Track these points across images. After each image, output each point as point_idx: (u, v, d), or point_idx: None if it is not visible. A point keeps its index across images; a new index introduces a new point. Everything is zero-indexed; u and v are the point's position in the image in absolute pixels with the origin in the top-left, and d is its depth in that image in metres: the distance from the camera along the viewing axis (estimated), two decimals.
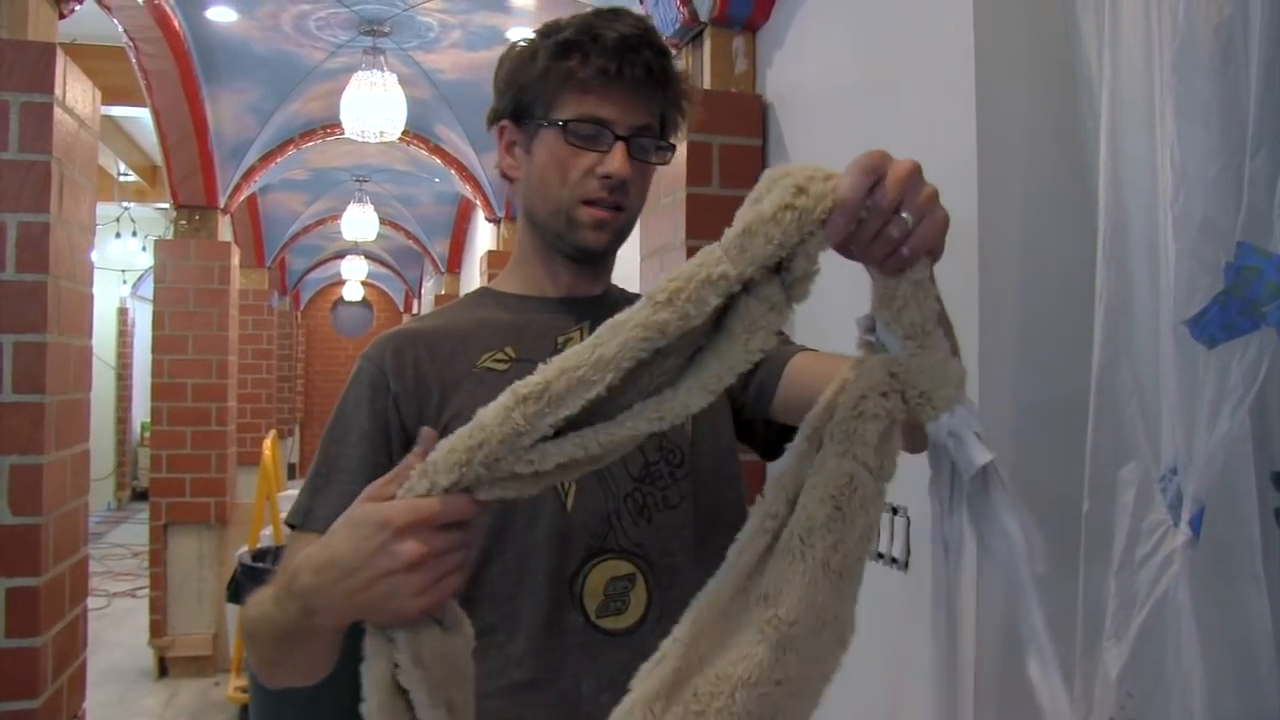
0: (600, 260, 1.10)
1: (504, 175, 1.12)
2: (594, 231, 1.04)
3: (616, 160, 1.01)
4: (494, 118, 1.11)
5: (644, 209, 1.11)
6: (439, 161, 5.68)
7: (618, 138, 1.01)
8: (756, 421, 1.08)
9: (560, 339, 1.06)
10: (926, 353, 0.73)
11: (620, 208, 1.04)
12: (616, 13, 1.05)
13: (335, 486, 1.00)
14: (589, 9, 1.06)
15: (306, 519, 1.01)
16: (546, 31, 1.05)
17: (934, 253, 0.74)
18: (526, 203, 1.09)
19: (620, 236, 1.07)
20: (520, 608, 1.00)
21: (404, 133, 4.68)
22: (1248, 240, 0.96)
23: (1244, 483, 0.96)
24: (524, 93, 1.06)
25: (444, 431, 0.95)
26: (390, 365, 1.04)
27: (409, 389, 1.03)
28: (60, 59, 2.14)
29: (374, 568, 0.73)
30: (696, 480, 1.05)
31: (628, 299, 1.14)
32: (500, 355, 1.05)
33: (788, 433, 1.04)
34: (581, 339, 1.03)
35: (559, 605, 0.99)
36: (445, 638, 0.76)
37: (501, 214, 5.76)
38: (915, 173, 0.71)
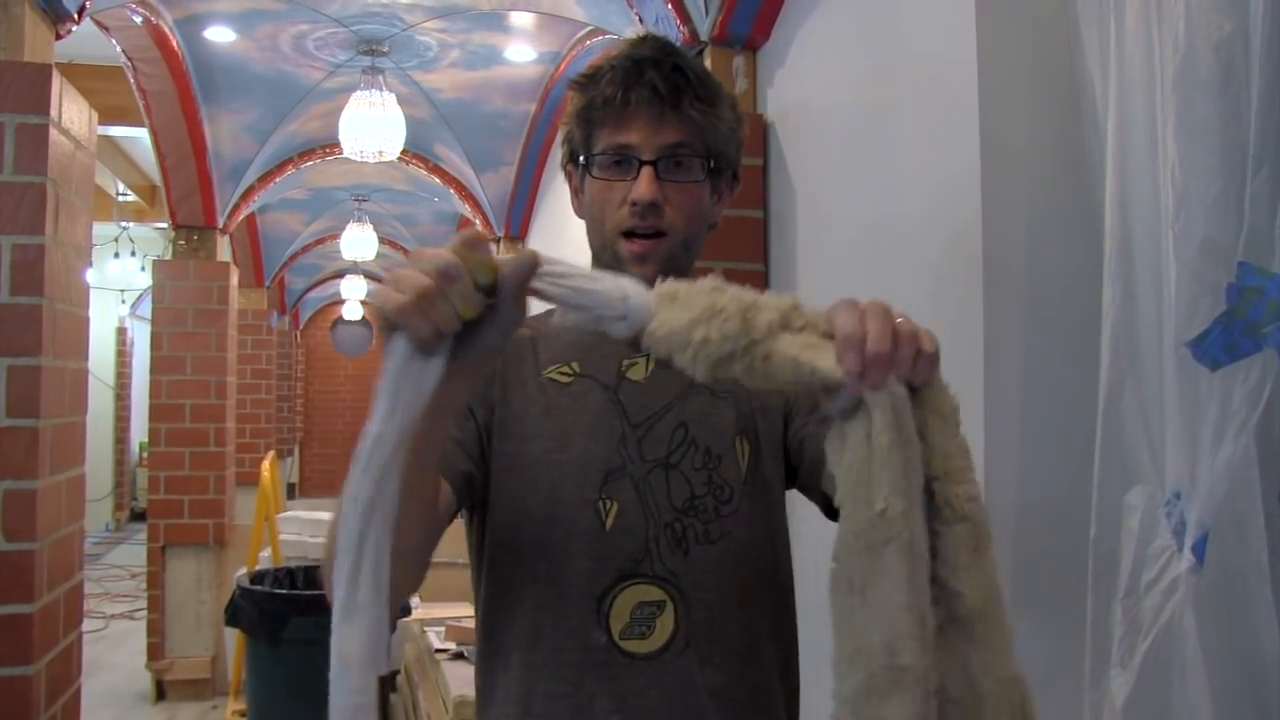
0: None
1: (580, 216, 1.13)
2: (638, 265, 1.03)
3: (642, 185, 1.01)
4: (561, 164, 1.15)
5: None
6: (438, 181, 5.68)
7: (643, 163, 1.02)
8: (812, 484, 1.07)
9: (625, 363, 1.07)
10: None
11: (660, 233, 1.03)
12: (643, 39, 1.07)
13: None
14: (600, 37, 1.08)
15: None
16: (582, 71, 1.09)
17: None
18: (589, 241, 1.11)
19: (671, 261, 1.04)
20: (546, 618, 1.01)
21: (403, 152, 4.68)
22: (1249, 260, 0.95)
23: (1250, 507, 0.94)
24: (569, 136, 1.09)
25: (498, 426, 1.03)
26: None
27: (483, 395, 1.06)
28: (56, 80, 2.14)
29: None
30: (744, 522, 1.04)
31: None
32: (566, 369, 1.08)
33: None
34: (646, 367, 1.07)
35: (585, 621, 1.00)
36: (417, 362, 0.72)
37: (501, 233, 5.76)
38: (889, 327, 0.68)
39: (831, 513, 1.08)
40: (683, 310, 0.70)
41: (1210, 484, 0.95)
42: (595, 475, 1.02)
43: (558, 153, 1.40)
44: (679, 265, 1.05)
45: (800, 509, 1.13)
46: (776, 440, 1.09)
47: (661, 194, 1.02)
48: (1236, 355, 0.94)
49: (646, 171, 1.02)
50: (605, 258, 1.06)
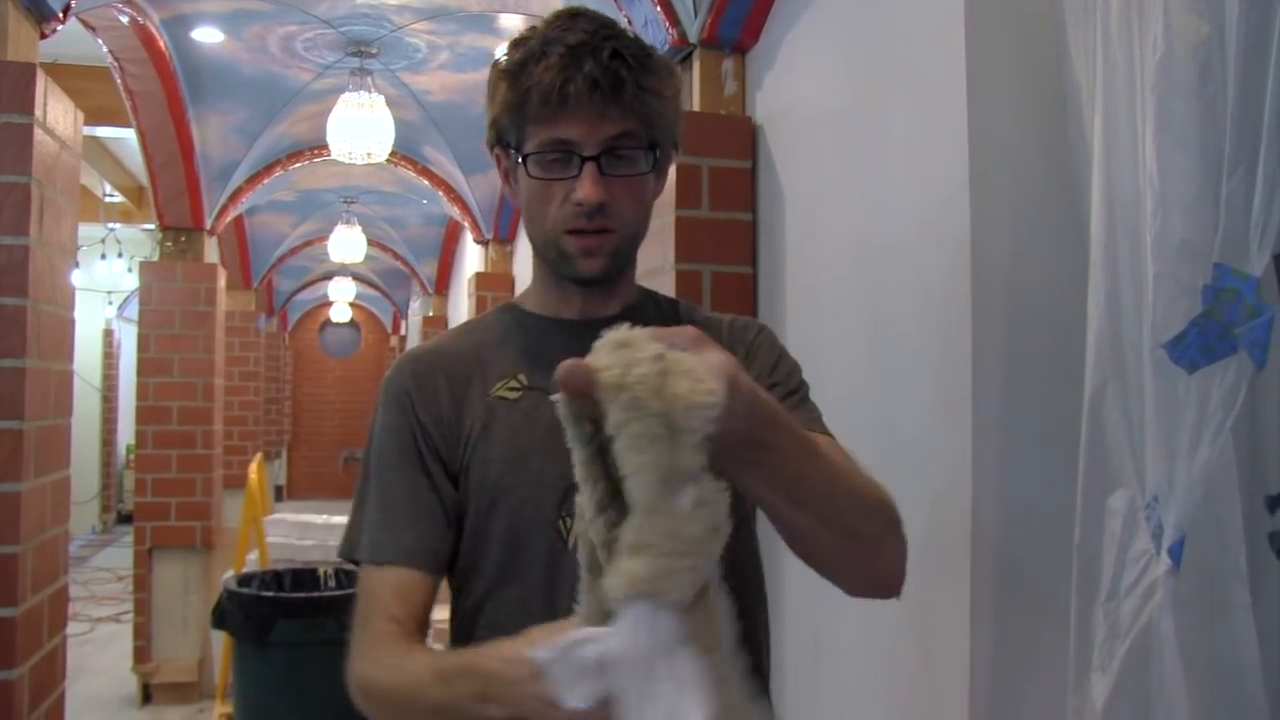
0: (604, 283, 1.06)
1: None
2: (585, 260, 1.01)
3: (585, 186, 0.97)
4: (487, 144, 1.09)
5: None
6: (427, 183, 5.67)
7: (585, 159, 0.97)
8: None
9: None
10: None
11: (608, 229, 1.00)
12: (573, 17, 0.99)
13: (403, 517, 1.03)
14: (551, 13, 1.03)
15: (377, 552, 1.03)
16: (508, 50, 1.01)
17: None
18: (526, 231, 1.08)
19: (618, 257, 1.03)
20: (511, 627, 0.99)
21: (392, 154, 4.67)
22: (1225, 262, 0.96)
23: (1228, 509, 0.94)
24: (496, 121, 1.03)
25: (468, 452, 1.02)
26: (415, 393, 1.06)
27: (432, 417, 1.05)
28: (41, 79, 2.13)
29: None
30: None
31: (659, 311, 1.12)
32: (514, 383, 1.05)
33: None
34: None
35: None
36: None
37: (490, 235, 5.75)
38: None
39: None
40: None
41: (1188, 487, 0.95)
42: (554, 493, 0.99)
43: None
44: (625, 256, 1.04)
45: None
46: None
47: (607, 193, 0.98)
48: (1213, 357, 0.95)
49: (590, 169, 0.96)
50: (549, 254, 1.04)
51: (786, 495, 0.81)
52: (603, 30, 0.98)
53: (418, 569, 1.01)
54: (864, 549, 0.89)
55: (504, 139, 1.03)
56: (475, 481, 1.03)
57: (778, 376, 1.06)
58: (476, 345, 1.09)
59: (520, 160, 1.01)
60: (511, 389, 1.04)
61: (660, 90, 1.00)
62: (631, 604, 0.66)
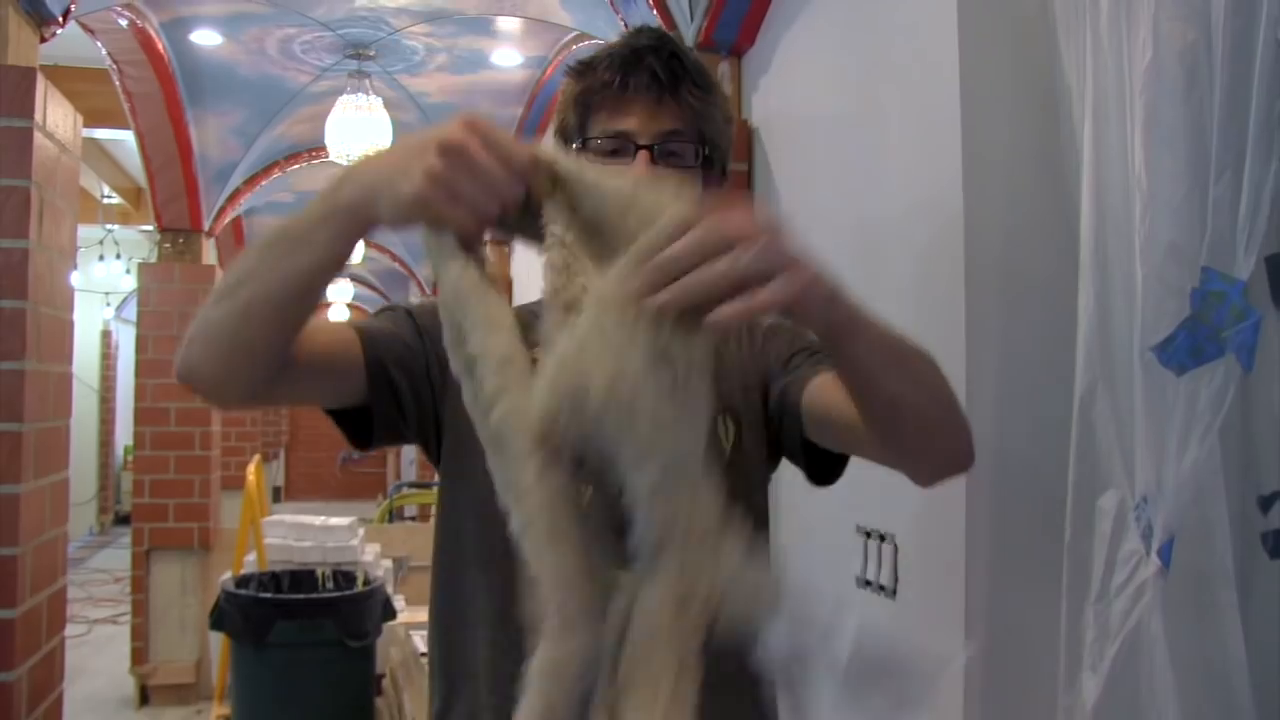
0: None
1: None
2: None
3: (638, 169, 1.01)
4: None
5: None
6: None
7: (639, 147, 1.02)
8: (794, 447, 1.08)
9: None
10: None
11: None
12: (639, 30, 1.09)
13: (386, 321, 1.07)
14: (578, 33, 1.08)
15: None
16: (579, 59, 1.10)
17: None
18: None
19: None
20: (513, 600, 1.01)
21: None
22: (1212, 265, 0.97)
23: (1215, 510, 0.95)
24: (562, 122, 1.08)
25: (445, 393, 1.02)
26: (427, 321, 1.07)
27: (432, 345, 1.06)
28: (41, 83, 2.14)
29: (408, 153, 0.78)
30: (728, 500, 1.05)
31: None
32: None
33: (832, 457, 1.06)
34: None
35: None
36: (465, 270, 0.77)
37: (487, 237, 5.76)
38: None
39: (816, 476, 1.09)
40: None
41: (1176, 488, 0.96)
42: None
43: None
44: None
45: (784, 492, 1.13)
46: (757, 417, 1.10)
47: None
48: (1201, 359, 0.96)
49: (643, 156, 1.02)
50: None
51: (884, 362, 0.86)
52: (665, 38, 1.06)
53: (357, 333, 1.03)
54: (954, 414, 0.94)
55: (566, 136, 1.08)
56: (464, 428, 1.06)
57: (801, 343, 1.10)
58: (521, 312, 1.14)
59: (580, 146, 1.05)
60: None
61: (712, 98, 1.06)
62: None
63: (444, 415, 1.07)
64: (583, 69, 1.06)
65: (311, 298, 0.89)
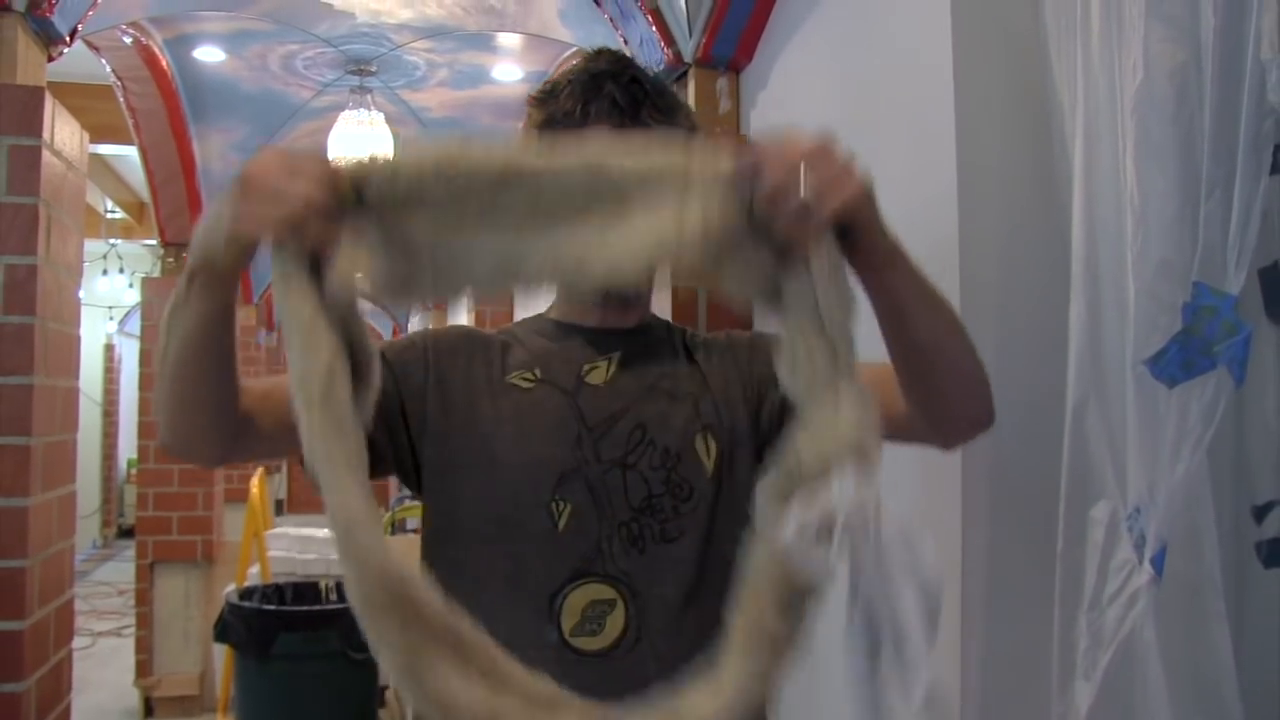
0: (621, 298, 1.13)
1: None
2: None
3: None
4: None
5: None
6: None
7: None
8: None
9: (586, 368, 1.11)
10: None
11: None
12: (599, 53, 1.10)
13: None
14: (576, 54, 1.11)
15: None
16: (540, 86, 1.12)
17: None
18: None
19: None
20: (500, 614, 1.01)
21: None
22: (1204, 280, 0.99)
23: (1204, 521, 0.97)
24: None
25: (441, 419, 1.09)
26: (442, 351, 1.13)
27: (435, 381, 1.10)
28: (49, 102, 2.16)
29: (220, 202, 0.87)
30: (706, 519, 1.07)
31: (668, 332, 1.20)
32: (528, 375, 1.11)
33: None
34: (606, 371, 1.11)
35: (537, 618, 1.03)
36: (291, 292, 0.84)
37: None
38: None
39: None
40: None
41: (1168, 498, 0.98)
42: (549, 477, 1.05)
43: None
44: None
45: None
46: (745, 434, 1.11)
47: None
48: (1193, 373, 0.98)
49: None
50: None
51: (920, 296, 0.93)
52: (624, 62, 1.09)
53: None
54: (981, 368, 0.99)
55: None
56: (475, 454, 1.08)
57: None
58: (510, 336, 1.17)
59: None
60: (525, 379, 1.11)
61: (675, 119, 1.09)
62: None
63: (422, 452, 1.10)
64: (544, 97, 1.09)
65: (216, 351, 0.95)
